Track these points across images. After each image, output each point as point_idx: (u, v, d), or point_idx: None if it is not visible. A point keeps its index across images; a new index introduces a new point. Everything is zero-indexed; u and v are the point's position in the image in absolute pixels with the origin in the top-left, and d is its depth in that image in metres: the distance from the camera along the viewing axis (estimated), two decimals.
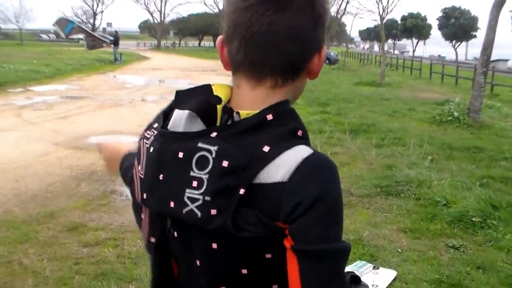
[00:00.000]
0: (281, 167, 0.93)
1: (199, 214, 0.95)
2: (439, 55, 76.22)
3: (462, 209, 5.42)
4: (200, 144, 0.97)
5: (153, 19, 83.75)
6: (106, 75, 24.99)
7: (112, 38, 32.20)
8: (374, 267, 4.21)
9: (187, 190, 0.97)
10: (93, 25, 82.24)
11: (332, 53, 40.62)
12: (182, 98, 1.05)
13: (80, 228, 4.90)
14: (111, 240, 4.59)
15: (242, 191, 0.92)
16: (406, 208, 5.72)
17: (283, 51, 1.00)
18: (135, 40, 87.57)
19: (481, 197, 5.69)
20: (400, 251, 4.59)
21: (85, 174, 6.81)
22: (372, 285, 3.89)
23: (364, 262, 4.28)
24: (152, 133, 1.07)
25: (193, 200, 0.96)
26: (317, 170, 0.95)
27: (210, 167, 0.95)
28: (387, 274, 4.08)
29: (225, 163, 0.94)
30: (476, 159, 8.33)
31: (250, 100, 1.02)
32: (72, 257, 4.27)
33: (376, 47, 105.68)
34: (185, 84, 19.00)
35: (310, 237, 0.92)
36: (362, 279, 4.13)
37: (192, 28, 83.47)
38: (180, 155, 0.99)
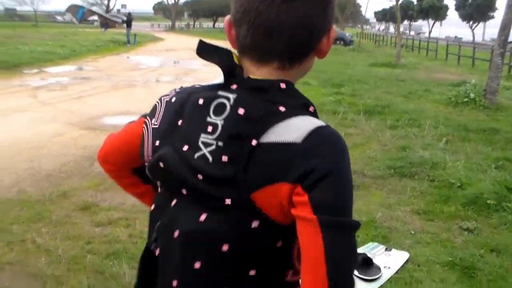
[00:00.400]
0: (293, 128, 0.95)
1: (210, 158, 0.98)
2: (455, 36, 75.31)
3: (476, 191, 5.36)
4: (220, 92, 1.02)
5: (167, 0, 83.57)
6: (120, 56, 25.03)
7: (124, 18, 32.17)
8: (386, 249, 4.21)
9: (202, 135, 1.00)
10: (107, 6, 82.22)
11: (347, 34, 40.27)
12: (206, 49, 1.07)
13: (92, 207, 4.93)
14: (123, 219, 4.60)
15: (254, 142, 0.94)
16: (420, 189, 5.67)
17: (291, 39, 1.00)
18: (149, 22, 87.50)
19: (496, 180, 5.62)
20: (413, 233, 4.55)
21: None
22: (384, 267, 3.89)
23: (376, 243, 4.30)
24: (174, 91, 1.14)
25: (206, 144, 0.99)
26: (331, 139, 0.97)
27: (226, 113, 0.99)
28: (400, 256, 4.08)
29: (241, 111, 0.98)
30: (492, 141, 8.23)
31: (257, 76, 1.04)
32: (84, 236, 4.29)
33: (391, 28, 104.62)
34: (199, 65, 18.93)
35: (332, 208, 0.93)
36: (374, 260, 4.12)
37: (206, 10, 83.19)
38: (200, 101, 1.03)
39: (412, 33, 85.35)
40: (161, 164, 1.07)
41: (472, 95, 11.97)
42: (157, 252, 1.12)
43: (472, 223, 4.76)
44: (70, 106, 10.63)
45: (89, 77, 15.93)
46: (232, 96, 1.00)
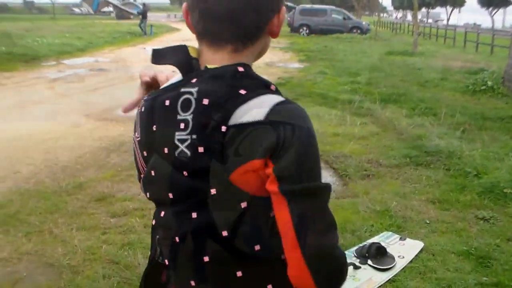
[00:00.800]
0: (256, 108, 0.99)
1: (188, 153, 1.02)
2: (474, 23, 74.29)
3: (493, 180, 5.31)
4: (182, 89, 1.05)
5: None
6: (137, 47, 25.07)
7: (141, 7, 32.14)
8: (401, 238, 4.19)
9: (177, 133, 1.04)
10: None
11: (363, 23, 39.84)
12: (161, 55, 1.11)
13: (108, 198, 4.97)
14: (138, 210, 4.64)
15: (224, 128, 0.98)
16: (435, 178, 5.63)
17: (241, 22, 1.04)
18: (166, 12, 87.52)
19: None
20: (428, 222, 4.53)
21: (114, 145, 6.88)
22: (399, 256, 3.87)
23: (391, 233, 4.28)
24: (143, 101, 1.17)
25: (182, 141, 1.03)
26: (291, 112, 1.01)
27: (193, 107, 1.03)
28: (414, 245, 4.05)
29: (205, 101, 1.01)
30: (510, 129, 8.15)
31: (215, 61, 1.07)
32: (100, 227, 4.34)
33: (409, 16, 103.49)
34: None
35: (294, 176, 0.98)
36: (389, 250, 4.07)
37: None
38: (167, 103, 1.06)
39: (430, 20, 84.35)
40: (153, 173, 1.12)
41: (490, 83, 11.82)
42: (166, 262, 1.16)
43: (488, 212, 4.72)
44: (87, 98, 10.72)
45: (106, 68, 16.03)
46: (194, 90, 1.04)
